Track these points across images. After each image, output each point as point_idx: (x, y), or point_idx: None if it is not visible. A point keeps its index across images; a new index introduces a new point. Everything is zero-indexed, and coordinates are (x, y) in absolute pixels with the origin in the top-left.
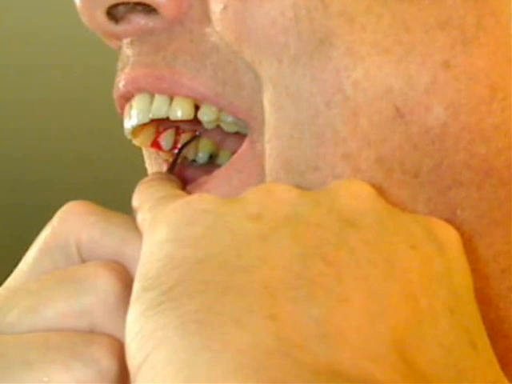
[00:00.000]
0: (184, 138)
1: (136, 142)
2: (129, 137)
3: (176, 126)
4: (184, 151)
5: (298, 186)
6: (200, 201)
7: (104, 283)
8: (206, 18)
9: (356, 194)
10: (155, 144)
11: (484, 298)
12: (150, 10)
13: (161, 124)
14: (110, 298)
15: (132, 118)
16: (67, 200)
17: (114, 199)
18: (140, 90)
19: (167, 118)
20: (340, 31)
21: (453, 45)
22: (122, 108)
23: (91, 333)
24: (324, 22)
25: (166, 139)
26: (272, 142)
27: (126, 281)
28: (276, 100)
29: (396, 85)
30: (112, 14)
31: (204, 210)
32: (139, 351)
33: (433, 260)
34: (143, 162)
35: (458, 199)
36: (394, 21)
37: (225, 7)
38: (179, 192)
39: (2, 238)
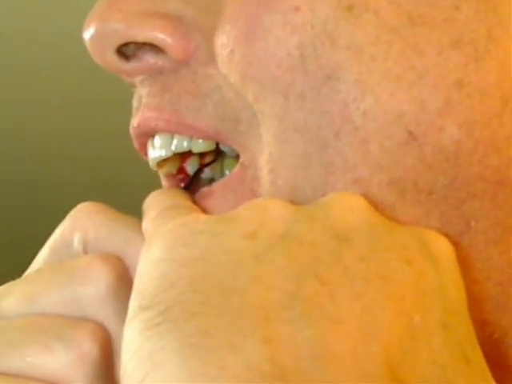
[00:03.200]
0: (208, 158)
1: (161, 171)
2: (154, 168)
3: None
4: (207, 172)
5: None
6: (195, 222)
7: (96, 273)
8: (210, 59)
9: (350, 208)
10: (181, 170)
11: (499, 305)
12: (158, 49)
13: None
14: (101, 287)
15: (155, 150)
16: (67, 200)
17: (114, 199)
18: (154, 131)
19: (189, 151)
20: (347, 64)
21: (466, 63)
22: (141, 145)
23: (79, 319)
24: (331, 57)
25: (191, 164)
26: (276, 172)
27: (120, 272)
28: (281, 133)
29: (408, 110)
30: (122, 51)
31: (199, 231)
32: (136, 372)
33: (427, 275)
34: (143, 162)
35: (472, 211)
36: (405, 46)
37: (231, 50)
38: (187, 203)
39: (2, 238)
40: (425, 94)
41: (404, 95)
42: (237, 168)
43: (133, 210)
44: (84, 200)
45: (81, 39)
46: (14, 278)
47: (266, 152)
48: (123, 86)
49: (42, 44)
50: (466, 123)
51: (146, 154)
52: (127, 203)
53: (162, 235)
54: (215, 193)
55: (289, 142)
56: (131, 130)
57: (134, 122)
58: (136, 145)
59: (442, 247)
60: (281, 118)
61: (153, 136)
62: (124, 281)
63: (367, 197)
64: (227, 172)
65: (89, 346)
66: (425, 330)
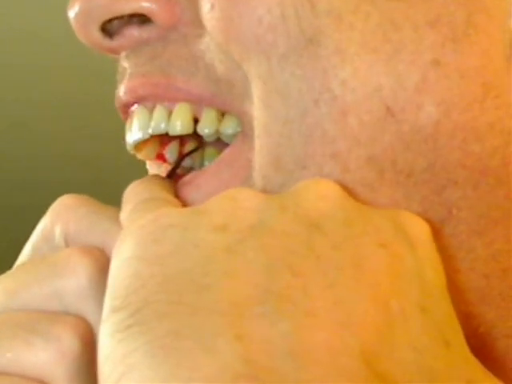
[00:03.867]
0: (188, 147)
1: (140, 155)
2: (131, 151)
3: (180, 137)
4: (187, 161)
5: (286, 185)
6: (166, 216)
7: (76, 265)
8: (197, 20)
9: (322, 195)
10: (160, 157)
11: (485, 298)
12: (143, 21)
13: (165, 137)
14: (81, 279)
15: (133, 133)
16: None
17: (114, 199)
18: (139, 99)
19: (167, 134)
20: (328, 30)
21: (442, 43)
22: (125, 116)
23: (60, 313)
24: (312, 21)
25: (170, 151)
26: (261, 139)
27: (101, 264)
28: (266, 97)
29: (386, 84)
30: (106, 29)
31: (170, 226)
32: (111, 375)
33: (403, 257)
34: (143, 162)
35: (454, 198)
36: (382, 19)
37: (212, 6)
38: (164, 195)
39: (2, 237)
40: (401, 69)
41: (381, 68)
42: (236, 140)
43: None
44: None
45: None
46: None
47: (255, 117)
48: None
49: (42, 44)
50: (444, 103)
51: None
52: None
53: (134, 231)
54: (207, 172)
55: (272, 106)
56: (116, 101)
57: (119, 91)
58: (121, 115)
59: (418, 228)
60: (265, 80)
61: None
62: (106, 273)
63: (345, 174)
64: (206, 163)
65: (69, 341)
66: (402, 315)
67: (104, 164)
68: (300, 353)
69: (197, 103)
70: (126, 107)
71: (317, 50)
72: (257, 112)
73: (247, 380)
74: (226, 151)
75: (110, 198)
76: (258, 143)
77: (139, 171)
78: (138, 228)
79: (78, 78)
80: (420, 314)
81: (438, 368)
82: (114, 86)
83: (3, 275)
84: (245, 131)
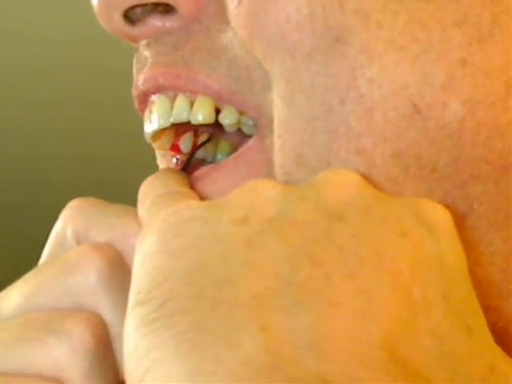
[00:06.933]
0: (201, 139)
1: (155, 145)
2: (149, 141)
3: (195, 128)
4: (200, 153)
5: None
6: (187, 209)
7: (85, 261)
8: (222, 14)
9: (343, 184)
10: (174, 147)
11: (502, 292)
12: (167, 10)
13: (180, 127)
14: (91, 275)
15: (153, 122)
16: (67, 200)
17: (114, 199)
18: (159, 89)
19: (188, 123)
20: (355, 29)
21: (469, 43)
22: (142, 105)
23: (73, 310)
24: (339, 20)
25: (184, 142)
26: (283, 137)
27: (111, 259)
28: (289, 95)
29: (412, 81)
30: (129, 16)
31: (191, 219)
32: (136, 369)
33: (424, 245)
34: (143, 162)
35: (475, 193)
36: (410, 18)
37: (239, 2)
38: (180, 189)
39: (2, 237)
40: (428, 68)
41: (408, 66)
42: (253, 139)
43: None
44: None
45: (81, 39)
46: (14, 278)
47: (275, 115)
48: (124, 86)
49: (42, 44)
50: (469, 101)
51: (143, 114)
52: (127, 203)
53: (155, 225)
54: (225, 167)
55: (296, 105)
56: (134, 91)
57: (139, 78)
58: (137, 105)
59: (438, 214)
60: (288, 78)
61: (152, 103)
62: (116, 267)
63: (370, 169)
64: (219, 156)
65: (80, 335)
66: (424, 302)
67: (104, 164)
68: (322, 343)
69: (216, 98)
70: (146, 96)
71: (343, 48)
72: (278, 111)
73: (269, 372)
74: (243, 148)
75: (110, 198)
76: (279, 142)
77: (139, 171)
78: (159, 222)
79: (78, 78)
80: (442, 300)
81: (460, 354)
82: (114, 86)
83: (19, 280)
84: (262, 133)
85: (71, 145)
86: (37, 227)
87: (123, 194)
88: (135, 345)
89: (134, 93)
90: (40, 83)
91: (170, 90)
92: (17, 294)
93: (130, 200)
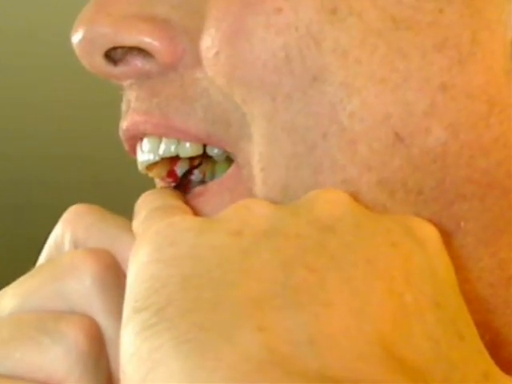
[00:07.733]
0: (197, 160)
1: (151, 174)
2: (143, 172)
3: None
4: (197, 175)
5: None
6: (181, 222)
7: (80, 265)
8: (197, 63)
9: (332, 201)
10: (171, 174)
11: (490, 306)
12: (146, 53)
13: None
14: (85, 278)
15: (144, 154)
16: (67, 200)
17: (114, 199)
18: (143, 134)
19: (177, 156)
20: (333, 67)
21: (449, 66)
22: (131, 147)
23: (66, 312)
24: (316, 60)
25: (181, 167)
26: (267, 171)
27: (106, 263)
28: (271, 134)
29: (394, 111)
30: (110, 56)
31: (186, 229)
32: (136, 373)
33: (414, 256)
34: None
35: (462, 212)
36: (389, 50)
37: (217, 53)
38: (176, 203)
39: (2, 237)
40: (410, 97)
41: (389, 97)
42: (232, 168)
43: (132, 210)
44: (84, 200)
45: None
46: (14, 278)
47: (256, 152)
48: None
49: (43, 44)
50: (451, 126)
51: (135, 155)
52: (127, 203)
53: (150, 237)
54: (210, 190)
55: (278, 142)
56: (120, 133)
57: (123, 125)
58: (126, 147)
59: (427, 231)
60: (269, 118)
61: (141, 139)
62: (111, 271)
63: (357, 196)
64: (218, 173)
65: (74, 337)
66: (417, 308)
67: (104, 164)
68: (319, 339)
69: (195, 142)
70: (131, 140)
71: (322, 86)
72: (260, 147)
73: (270, 367)
74: (225, 176)
75: (110, 198)
76: (262, 175)
77: (139, 171)
78: (153, 233)
79: (78, 78)
80: (434, 307)
81: (455, 359)
82: (114, 86)
83: (13, 283)
84: (238, 164)
85: (71, 145)
86: (36, 227)
87: (123, 194)
88: (136, 348)
89: (122, 137)
90: (40, 83)
91: (154, 135)
92: (11, 295)
93: (130, 200)
